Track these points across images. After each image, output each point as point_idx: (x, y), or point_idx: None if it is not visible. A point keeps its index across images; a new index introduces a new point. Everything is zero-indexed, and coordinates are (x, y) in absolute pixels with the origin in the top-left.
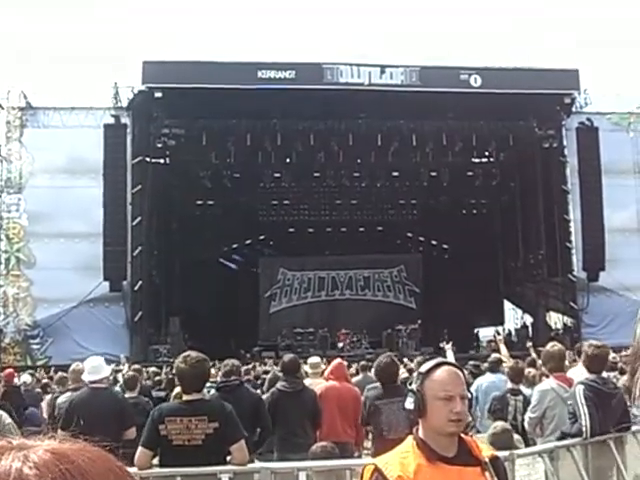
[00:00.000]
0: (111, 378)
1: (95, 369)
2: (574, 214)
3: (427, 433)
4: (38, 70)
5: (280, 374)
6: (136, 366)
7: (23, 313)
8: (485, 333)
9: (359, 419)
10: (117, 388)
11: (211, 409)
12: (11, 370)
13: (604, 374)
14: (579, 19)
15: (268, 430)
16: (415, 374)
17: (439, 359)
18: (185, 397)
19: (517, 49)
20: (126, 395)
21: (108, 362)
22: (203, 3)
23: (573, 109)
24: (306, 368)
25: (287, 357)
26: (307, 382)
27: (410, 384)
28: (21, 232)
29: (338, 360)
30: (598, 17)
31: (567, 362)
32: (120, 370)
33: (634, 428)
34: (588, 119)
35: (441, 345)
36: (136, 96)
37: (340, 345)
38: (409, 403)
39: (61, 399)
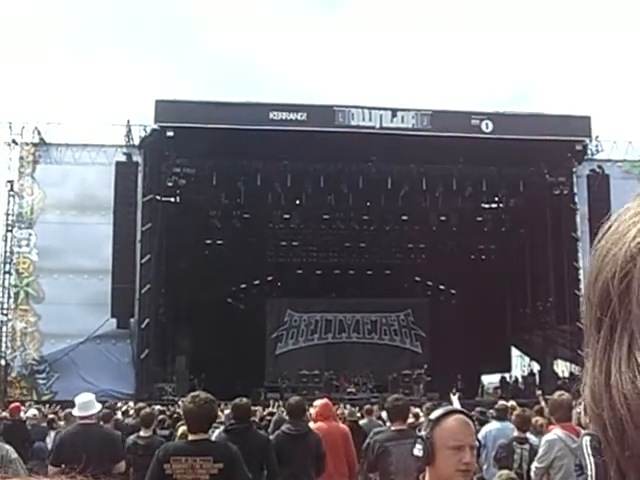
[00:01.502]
0: (119, 415)
1: (85, 405)
2: (583, 262)
3: None
4: (53, 107)
5: (285, 416)
6: (141, 404)
7: (30, 348)
8: (491, 379)
9: (352, 455)
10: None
11: (216, 450)
12: (17, 404)
13: None
14: (593, 68)
15: (275, 473)
16: (425, 421)
17: (450, 407)
18: (191, 437)
19: (529, 95)
20: (141, 433)
21: (113, 399)
22: (216, 44)
23: (584, 156)
24: (312, 411)
25: (293, 399)
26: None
27: (419, 430)
28: (31, 267)
29: (324, 400)
30: (612, 66)
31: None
32: (127, 409)
33: None
34: (599, 166)
35: (451, 394)
36: (148, 135)
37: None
38: (418, 450)
39: None
